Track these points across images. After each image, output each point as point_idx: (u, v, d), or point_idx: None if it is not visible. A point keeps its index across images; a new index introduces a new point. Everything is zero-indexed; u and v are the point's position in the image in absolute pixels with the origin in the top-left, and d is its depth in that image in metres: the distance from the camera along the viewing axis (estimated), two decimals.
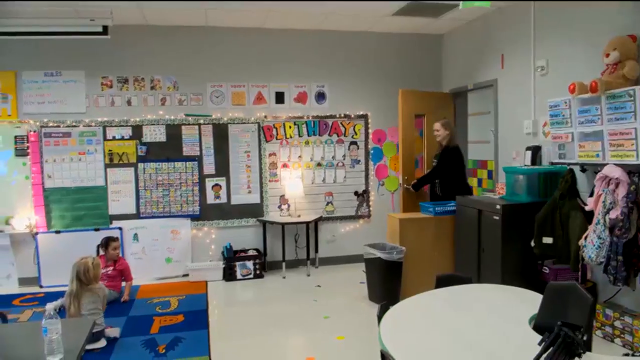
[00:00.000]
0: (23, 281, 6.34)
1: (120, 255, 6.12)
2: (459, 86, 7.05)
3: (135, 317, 5.19)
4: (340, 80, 7.22)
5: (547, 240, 4.52)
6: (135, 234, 6.66)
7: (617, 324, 4.23)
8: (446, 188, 6.12)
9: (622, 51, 4.04)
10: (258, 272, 6.64)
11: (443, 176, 6.13)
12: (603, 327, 4.37)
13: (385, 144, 7.39)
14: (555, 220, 4.48)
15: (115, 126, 6.57)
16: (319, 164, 7.22)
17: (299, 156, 7.15)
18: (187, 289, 6.20)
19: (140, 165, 6.66)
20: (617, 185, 3.90)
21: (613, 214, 3.88)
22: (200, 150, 6.82)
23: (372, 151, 7.37)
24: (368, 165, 7.37)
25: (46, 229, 6.40)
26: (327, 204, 7.28)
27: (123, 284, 5.85)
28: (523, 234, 4.74)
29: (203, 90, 6.82)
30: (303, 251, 7.00)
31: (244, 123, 6.93)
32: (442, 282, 3.30)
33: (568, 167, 4.56)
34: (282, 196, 7.08)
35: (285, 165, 7.11)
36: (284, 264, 6.72)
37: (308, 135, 7.16)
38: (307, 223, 6.82)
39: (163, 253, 6.72)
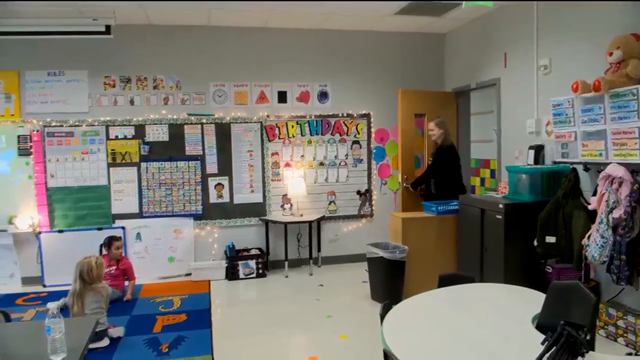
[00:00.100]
0: (26, 280, 6.36)
1: (123, 254, 6.13)
2: (461, 85, 7.04)
3: (138, 316, 5.20)
4: (343, 80, 7.21)
5: (550, 239, 4.52)
6: (138, 233, 6.66)
7: (620, 323, 4.23)
8: (441, 187, 6.14)
9: (625, 50, 4.03)
10: (261, 271, 6.65)
11: (438, 175, 6.14)
12: (606, 327, 4.36)
13: (387, 143, 7.38)
14: (558, 219, 4.46)
15: (118, 125, 6.57)
16: (321, 163, 7.22)
17: (302, 155, 7.15)
18: (189, 288, 6.21)
19: (143, 165, 6.66)
20: (620, 184, 3.89)
21: (616, 213, 3.87)
22: (203, 149, 6.82)
23: (374, 150, 7.37)
24: (370, 165, 7.37)
25: (49, 228, 6.41)
26: (330, 203, 7.28)
27: (126, 283, 5.86)
28: (526, 233, 4.73)
29: (206, 89, 6.82)
30: (305, 250, 7.00)
31: (247, 122, 6.93)
32: (445, 281, 3.30)
33: (571, 166, 4.55)
34: (285, 195, 7.09)
35: (287, 165, 7.11)
36: (286, 263, 6.72)
37: (310, 135, 7.16)
38: (310, 222, 6.82)
39: (166, 252, 6.73)
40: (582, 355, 1.95)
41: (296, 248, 7.10)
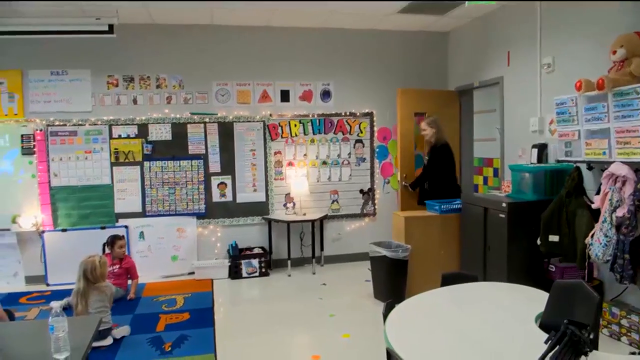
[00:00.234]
0: (30, 279, 6.37)
1: (127, 253, 6.14)
2: (464, 84, 7.03)
3: (142, 315, 5.21)
4: (346, 78, 7.21)
5: (554, 238, 4.51)
6: (141, 232, 6.68)
7: (624, 322, 4.22)
8: (435, 186, 6.14)
9: (629, 48, 4.02)
10: (263, 270, 6.65)
11: (434, 174, 6.13)
12: (609, 326, 4.35)
13: (390, 142, 7.37)
14: (562, 218, 4.46)
15: (121, 125, 6.58)
16: (324, 162, 7.22)
17: (305, 154, 7.15)
18: (192, 287, 6.22)
19: (146, 164, 6.67)
20: (623, 183, 3.88)
21: (620, 212, 3.87)
22: (206, 148, 6.83)
23: (377, 149, 7.36)
24: (373, 163, 7.37)
25: (53, 228, 6.43)
26: (333, 202, 7.27)
27: (129, 281, 5.87)
28: (529, 232, 4.72)
29: (208, 88, 6.83)
30: (308, 249, 7.00)
31: (250, 121, 6.93)
32: (448, 280, 3.30)
33: (574, 165, 4.54)
34: (288, 194, 7.09)
35: (290, 164, 7.11)
36: (289, 262, 6.72)
37: (313, 134, 7.16)
38: (313, 221, 6.83)
39: (169, 251, 6.74)
40: (586, 355, 1.95)
41: (299, 247, 7.10)
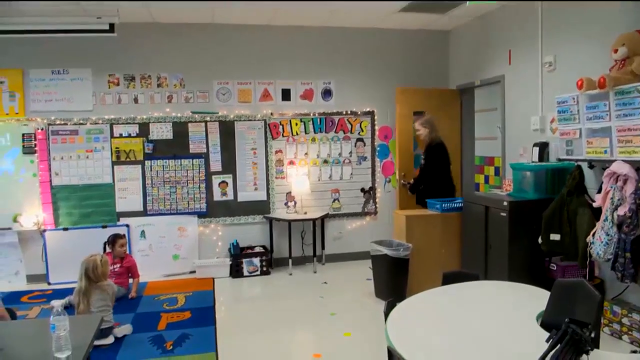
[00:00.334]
0: (31, 278, 6.38)
1: (128, 252, 6.15)
2: (465, 82, 7.02)
3: (143, 314, 5.22)
4: (347, 77, 7.21)
5: (555, 237, 4.50)
6: (143, 231, 6.68)
7: (625, 320, 4.22)
8: (430, 183, 6.14)
9: (630, 47, 4.01)
10: (265, 268, 6.66)
11: (429, 173, 6.13)
12: (611, 324, 4.35)
13: (391, 140, 7.36)
14: (563, 217, 4.45)
15: (122, 124, 6.59)
16: (325, 161, 7.22)
17: (306, 153, 7.15)
18: (194, 285, 6.22)
19: (147, 163, 6.68)
20: (625, 181, 3.88)
21: (621, 211, 3.86)
22: (207, 147, 6.83)
23: (378, 148, 7.36)
24: (374, 162, 7.36)
25: (54, 226, 6.43)
26: (334, 201, 7.27)
27: (130, 280, 5.87)
28: (530, 231, 4.72)
29: (209, 87, 6.83)
30: (309, 248, 7.00)
31: (251, 120, 6.93)
32: (449, 279, 3.30)
33: (576, 164, 4.53)
34: (289, 193, 7.09)
35: (291, 162, 7.11)
36: (290, 260, 6.72)
37: (314, 132, 7.16)
38: (314, 220, 6.83)
39: (170, 250, 6.74)
40: (587, 353, 1.95)
41: (300, 246, 7.10)
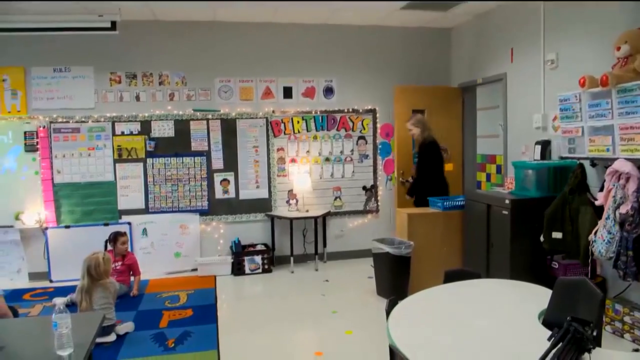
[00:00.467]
0: (33, 276, 6.39)
1: (129, 250, 6.15)
2: (468, 80, 7.01)
3: (145, 312, 5.22)
4: (349, 75, 7.20)
5: (557, 235, 4.50)
6: (144, 229, 6.69)
7: (627, 319, 4.21)
8: (423, 181, 6.13)
9: (633, 44, 4.00)
10: (266, 266, 6.66)
11: (425, 172, 6.12)
12: (612, 323, 4.35)
13: (393, 138, 7.35)
14: (565, 215, 4.45)
15: (124, 121, 6.59)
16: (327, 159, 7.21)
17: (307, 151, 7.15)
18: (196, 283, 6.23)
19: (149, 161, 6.68)
20: (627, 180, 3.87)
21: (623, 209, 3.86)
22: (209, 145, 6.83)
23: (380, 146, 7.35)
24: (376, 160, 7.36)
25: (56, 224, 6.44)
26: (335, 199, 7.27)
27: (132, 278, 5.88)
28: (532, 229, 4.71)
29: (211, 85, 6.83)
30: (311, 246, 7.00)
31: (252, 118, 6.93)
32: (451, 277, 3.30)
33: (578, 162, 4.53)
34: (290, 191, 7.09)
35: (293, 160, 7.11)
36: (292, 258, 6.73)
37: (316, 130, 7.15)
38: (315, 218, 6.83)
39: (172, 248, 6.75)
40: (589, 352, 1.94)
41: (302, 244, 7.10)
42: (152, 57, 6.63)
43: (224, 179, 6.91)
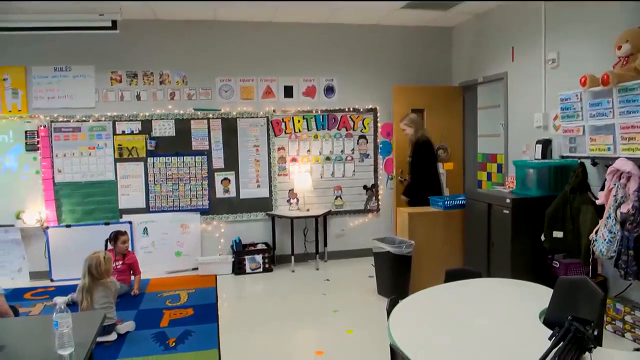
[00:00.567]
0: (34, 275, 6.40)
1: (130, 249, 6.16)
2: (468, 79, 7.00)
3: (146, 311, 5.23)
4: (349, 74, 7.19)
5: (558, 234, 4.50)
6: (145, 228, 6.69)
7: (628, 318, 4.21)
8: (416, 181, 6.13)
9: (634, 43, 3.99)
10: (267, 266, 6.66)
11: (416, 170, 6.12)
12: (613, 322, 4.34)
13: (393, 138, 7.34)
14: (566, 214, 4.44)
15: (125, 121, 6.59)
16: (327, 158, 7.21)
17: (308, 150, 7.14)
18: (196, 282, 6.23)
19: (150, 160, 6.68)
20: (628, 179, 3.86)
21: (624, 208, 3.85)
22: (210, 144, 6.83)
23: (381, 145, 7.35)
24: (377, 159, 7.35)
25: (57, 223, 6.44)
26: (336, 198, 7.27)
27: (132, 277, 5.88)
28: (533, 228, 4.70)
29: (212, 84, 6.83)
30: (312, 245, 7.00)
31: (253, 117, 6.93)
32: (452, 276, 3.30)
33: (579, 161, 4.52)
34: (291, 190, 7.09)
35: (294, 160, 7.11)
36: (292, 257, 6.73)
37: (317, 129, 7.15)
38: (316, 217, 6.83)
39: (173, 247, 6.75)
40: (590, 351, 1.94)
41: (302, 243, 7.10)
42: (152, 56, 6.63)
43: (225, 178, 6.91)
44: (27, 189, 6.37)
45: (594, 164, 4.51)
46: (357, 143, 7.27)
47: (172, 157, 6.74)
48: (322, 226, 7.12)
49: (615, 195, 3.93)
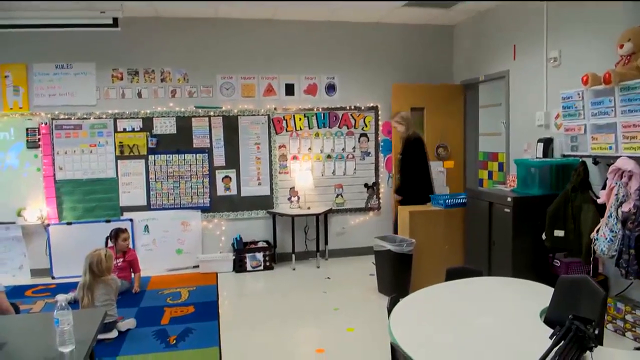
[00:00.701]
0: (35, 272, 6.40)
1: (131, 246, 6.16)
2: (470, 78, 6.99)
3: (146, 308, 5.23)
4: (351, 72, 7.19)
5: (559, 233, 4.49)
6: (146, 226, 6.69)
7: (629, 317, 4.21)
8: (407, 179, 6.13)
9: (636, 42, 3.98)
10: (268, 263, 6.66)
11: (406, 167, 6.12)
12: (614, 321, 4.34)
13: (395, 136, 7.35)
14: (567, 213, 4.44)
15: (126, 118, 6.59)
16: (328, 156, 7.21)
17: (309, 148, 7.14)
18: (197, 280, 6.24)
19: (151, 157, 6.68)
20: (630, 178, 3.86)
21: (625, 207, 3.85)
22: (211, 142, 6.83)
23: (382, 143, 7.34)
24: (378, 158, 7.35)
25: (58, 221, 6.45)
26: (337, 196, 7.27)
27: (132, 274, 5.88)
28: (534, 227, 4.70)
29: (213, 82, 6.82)
30: (313, 243, 7.00)
31: (254, 115, 6.93)
32: (453, 274, 3.29)
33: (580, 160, 4.52)
34: (292, 188, 7.09)
35: (295, 157, 7.10)
36: (293, 255, 6.73)
37: (318, 127, 7.14)
38: (317, 215, 6.82)
39: (173, 244, 6.75)
40: (591, 350, 1.94)
41: (303, 241, 7.10)
42: (154, 53, 6.63)
43: (226, 176, 6.91)
44: (28, 186, 6.38)
45: (596, 162, 4.51)
46: (358, 141, 7.27)
47: (173, 155, 6.73)
48: (323, 224, 7.12)
49: (616, 194, 3.92)
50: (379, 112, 7.27)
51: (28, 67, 6.36)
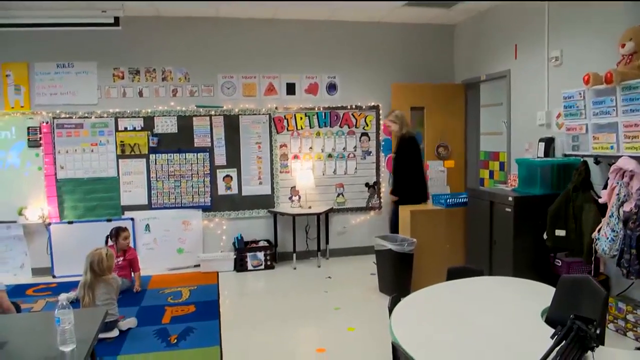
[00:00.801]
0: (36, 271, 6.41)
1: (132, 245, 6.16)
2: (471, 77, 6.99)
3: (147, 307, 5.23)
4: (352, 71, 7.18)
5: (560, 232, 4.49)
6: (147, 225, 6.69)
7: (630, 317, 4.20)
8: (401, 177, 6.12)
9: (637, 41, 3.98)
10: (269, 263, 6.66)
11: (400, 166, 6.11)
12: (615, 321, 4.34)
13: None
14: (569, 212, 4.44)
15: (127, 117, 6.59)
16: (329, 155, 7.20)
17: (310, 147, 7.14)
18: (198, 279, 6.24)
19: (152, 157, 6.68)
20: (631, 177, 3.86)
21: (627, 207, 3.84)
22: (212, 141, 6.83)
23: (383, 142, 7.34)
24: (379, 157, 7.35)
25: (59, 220, 6.45)
26: (338, 196, 7.27)
27: (133, 273, 5.88)
28: (535, 227, 4.70)
29: (214, 81, 6.82)
30: (314, 242, 7.00)
31: (255, 114, 6.93)
32: (454, 274, 3.29)
33: (582, 159, 4.52)
34: (293, 187, 7.08)
35: (296, 157, 7.10)
36: (294, 255, 6.73)
37: (319, 127, 7.14)
38: (318, 214, 6.82)
39: (174, 244, 6.76)
40: (592, 350, 1.94)
41: (304, 240, 7.10)
42: (155, 53, 6.63)
43: (227, 175, 6.91)
44: (29, 185, 6.38)
45: (597, 162, 4.51)
46: (359, 140, 7.27)
47: (174, 154, 6.74)
48: (324, 223, 7.12)
49: (618, 194, 3.92)
50: (380, 112, 7.27)
51: (29, 66, 6.36)
